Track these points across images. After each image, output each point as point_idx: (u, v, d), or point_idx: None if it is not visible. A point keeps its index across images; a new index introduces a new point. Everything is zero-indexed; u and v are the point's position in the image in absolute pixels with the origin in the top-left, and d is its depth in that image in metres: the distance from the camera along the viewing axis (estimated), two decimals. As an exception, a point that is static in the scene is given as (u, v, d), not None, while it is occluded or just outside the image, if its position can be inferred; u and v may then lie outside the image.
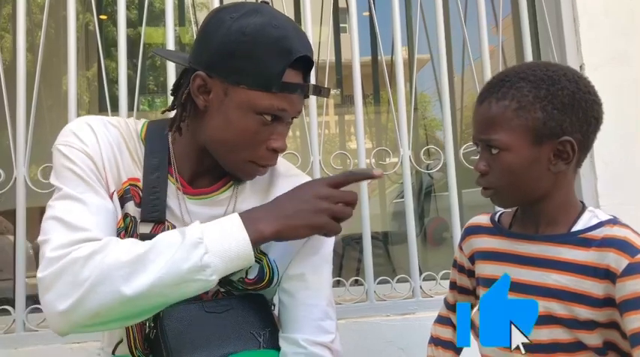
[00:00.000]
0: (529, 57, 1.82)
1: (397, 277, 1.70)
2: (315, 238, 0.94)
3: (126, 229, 0.88)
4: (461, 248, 0.99)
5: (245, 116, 0.83)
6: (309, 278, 0.94)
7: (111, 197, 0.86)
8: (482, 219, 0.96)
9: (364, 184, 1.68)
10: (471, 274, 0.98)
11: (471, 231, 0.97)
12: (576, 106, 0.79)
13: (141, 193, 0.88)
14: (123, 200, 0.88)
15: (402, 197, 1.76)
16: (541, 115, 0.79)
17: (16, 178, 1.54)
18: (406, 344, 1.56)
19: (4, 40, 2.45)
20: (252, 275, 0.93)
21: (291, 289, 0.94)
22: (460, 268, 1.00)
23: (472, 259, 0.96)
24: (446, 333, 1.01)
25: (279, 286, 0.96)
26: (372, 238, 1.70)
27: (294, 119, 0.91)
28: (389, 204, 3.80)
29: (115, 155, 0.88)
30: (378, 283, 1.67)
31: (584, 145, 0.82)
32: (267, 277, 0.93)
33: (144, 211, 0.87)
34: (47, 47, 1.66)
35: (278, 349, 0.90)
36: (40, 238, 0.79)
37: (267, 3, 0.89)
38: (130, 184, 0.88)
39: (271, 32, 0.81)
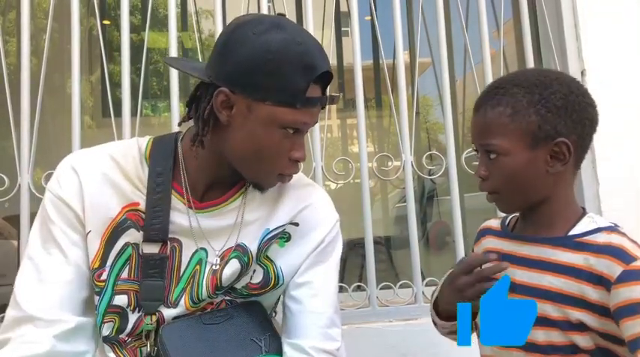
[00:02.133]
0: (530, 61, 1.82)
1: (400, 283, 1.70)
2: (324, 247, 0.96)
3: (129, 259, 0.89)
4: (473, 251, 1.01)
5: (268, 131, 0.84)
6: (316, 286, 0.95)
7: (86, 237, 0.87)
8: (494, 222, 0.99)
9: (366, 189, 1.68)
10: None
11: (482, 234, 0.99)
12: (569, 108, 0.81)
13: (144, 216, 0.88)
14: (117, 233, 0.88)
15: (404, 202, 1.76)
16: (535, 118, 0.81)
17: (20, 185, 1.55)
18: (409, 350, 1.56)
19: (8, 45, 2.46)
20: (256, 280, 0.94)
21: (298, 296, 0.94)
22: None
23: None
24: None
25: (285, 293, 0.96)
26: (375, 243, 1.70)
27: None
28: (391, 208, 3.80)
29: (103, 192, 0.88)
30: (381, 289, 1.68)
31: (581, 146, 0.84)
32: (272, 282, 0.94)
33: (146, 233, 0.88)
34: (51, 52, 1.66)
35: (279, 353, 0.91)
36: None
37: (284, 15, 0.89)
38: (128, 211, 0.89)
39: (295, 49, 0.82)
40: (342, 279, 1.99)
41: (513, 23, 2.04)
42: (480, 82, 1.80)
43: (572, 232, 0.84)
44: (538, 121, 0.81)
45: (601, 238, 0.80)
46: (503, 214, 0.97)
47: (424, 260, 2.04)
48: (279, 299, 1.03)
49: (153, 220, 0.88)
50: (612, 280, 0.75)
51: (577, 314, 0.78)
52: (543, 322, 0.81)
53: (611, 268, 0.76)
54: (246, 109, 0.84)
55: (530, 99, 0.81)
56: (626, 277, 0.74)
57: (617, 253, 0.77)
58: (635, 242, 0.80)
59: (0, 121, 1.73)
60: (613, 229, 0.82)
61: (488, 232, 0.97)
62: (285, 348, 0.91)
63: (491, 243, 0.95)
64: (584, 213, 0.87)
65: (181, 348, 0.85)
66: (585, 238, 0.82)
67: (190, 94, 0.92)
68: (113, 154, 0.91)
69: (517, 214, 0.95)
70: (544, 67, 1.94)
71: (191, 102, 0.92)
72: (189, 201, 0.91)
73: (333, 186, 2.53)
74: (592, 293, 0.78)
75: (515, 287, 0.85)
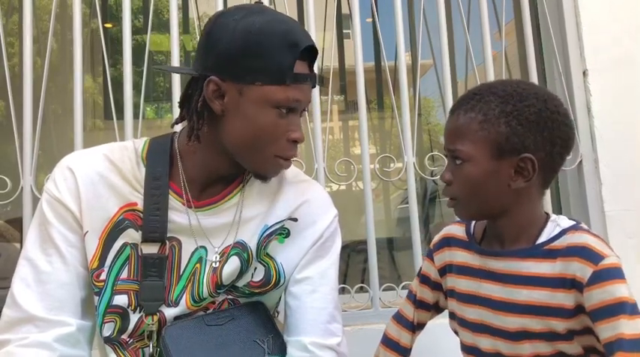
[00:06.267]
0: (532, 62, 1.82)
1: (402, 284, 1.70)
2: (323, 242, 0.96)
3: (128, 259, 0.89)
4: (431, 259, 0.98)
5: (262, 112, 0.85)
6: (316, 282, 0.95)
7: (83, 237, 0.88)
8: (458, 230, 0.96)
9: (368, 190, 1.68)
10: (436, 286, 0.98)
11: (446, 243, 0.96)
12: (542, 124, 0.80)
13: (142, 216, 0.89)
14: (115, 233, 0.88)
15: (407, 203, 1.76)
16: (505, 129, 0.79)
17: (22, 188, 1.55)
18: (412, 351, 1.55)
19: (14, 46, 2.47)
20: (257, 278, 0.94)
21: (298, 293, 0.94)
22: (424, 279, 1.00)
23: (443, 271, 0.96)
24: (394, 331, 1.03)
25: (285, 290, 0.97)
26: (377, 244, 1.69)
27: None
28: (393, 210, 3.79)
29: (100, 193, 0.89)
30: (384, 290, 1.67)
31: (548, 165, 0.82)
32: (273, 280, 0.94)
33: (145, 233, 0.88)
34: (58, 53, 1.67)
35: (283, 354, 0.91)
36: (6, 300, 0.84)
37: (261, 2, 0.92)
38: (125, 211, 0.89)
39: (277, 26, 0.83)
40: (344, 280, 1.98)
41: (515, 24, 2.04)
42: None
43: (539, 241, 0.83)
44: (506, 133, 0.79)
45: (566, 240, 0.80)
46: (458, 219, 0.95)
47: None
48: (280, 298, 1.03)
49: (151, 219, 0.88)
50: (584, 283, 0.75)
51: (562, 324, 0.78)
52: (528, 335, 0.81)
53: (581, 270, 0.76)
54: (238, 94, 0.84)
55: (503, 109, 0.80)
56: (596, 279, 0.74)
57: (584, 253, 0.77)
58: (597, 236, 0.79)
59: (2, 124, 1.73)
60: (576, 227, 0.82)
61: (453, 242, 0.95)
62: (287, 346, 0.91)
63: (460, 256, 0.93)
64: (547, 218, 0.86)
65: (184, 349, 0.85)
66: (552, 243, 0.81)
67: (181, 94, 0.93)
68: (109, 155, 0.91)
69: (481, 223, 0.93)
70: (547, 70, 1.94)
71: (183, 102, 0.93)
72: (188, 200, 0.91)
73: (334, 187, 2.53)
74: (569, 299, 0.77)
75: (492, 303, 0.85)
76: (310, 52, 0.88)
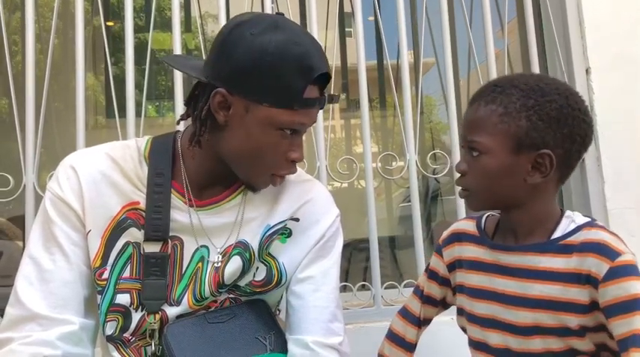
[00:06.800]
0: (535, 60, 1.82)
1: (404, 282, 1.70)
2: (325, 241, 0.96)
3: (130, 258, 0.89)
4: (440, 254, 0.98)
5: (266, 131, 0.85)
6: (318, 281, 0.95)
7: (86, 236, 0.88)
8: (468, 226, 0.95)
9: (370, 189, 1.68)
10: (444, 282, 0.98)
11: (456, 238, 0.96)
12: (562, 121, 0.79)
13: (144, 214, 0.89)
14: (117, 232, 0.89)
15: (409, 201, 1.76)
16: (525, 123, 0.79)
17: (25, 185, 1.55)
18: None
19: (15, 46, 2.47)
20: (259, 277, 0.94)
21: (300, 292, 0.94)
22: (432, 275, 0.99)
23: (452, 266, 0.96)
24: (399, 326, 1.02)
25: (287, 289, 0.97)
26: (379, 242, 1.69)
27: None
28: (395, 208, 3.79)
29: (102, 191, 0.89)
30: (386, 288, 1.67)
31: (566, 162, 0.82)
32: (275, 279, 0.94)
33: (147, 231, 0.88)
34: (57, 51, 1.67)
35: (284, 351, 0.91)
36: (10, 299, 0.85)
37: (283, 14, 0.89)
38: (128, 210, 0.89)
39: (293, 50, 0.81)
40: (346, 278, 1.98)
41: (517, 22, 2.03)
42: (484, 82, 1.78)
43: (554, 236, 0.82)
44: (527, 127, 0.79)
45: (582, 236, 0.79)
46: (470, 215, 0.94)
47: (428, 259, 2.03)
48: (282, 297, 1.03)
49: (153, 218, 0.88)
50: (599, 279, 0.75)
51: (575, 320, 0.78)
52: (540, 331, 0.80)
53: (597, 266, 0.76)
54: (244, 110, 0.84)
55: (524, 103, 0.79)
56: (612, 275, 0.74)
57: (600, 249, 0.76)
58: (613, 233, 0.79)
59: (5, 122, 1.73)
60: (591, 224, 0.81)
61: (464, 237, 0.94)
62: (289, 344, 0.92)
63: (470, 251, 0.92)
64: (562, 213, 0.85)
65: (186, 347, 0.85)
66: (567, 239, 0.81)
67: (189, 92, 0.92)
68: (112, 154, 0.92)
69: (492, 217, 0.93)
70: (550, 68, 1.93)
71: (189, 101, 0.92)
72: (190, 199, 0.91)
73: (336, 185, 2.53)
74: (583, 294, 0.77)
75: (504, 298, 0.84)
76: (324, 76, 0.86)
